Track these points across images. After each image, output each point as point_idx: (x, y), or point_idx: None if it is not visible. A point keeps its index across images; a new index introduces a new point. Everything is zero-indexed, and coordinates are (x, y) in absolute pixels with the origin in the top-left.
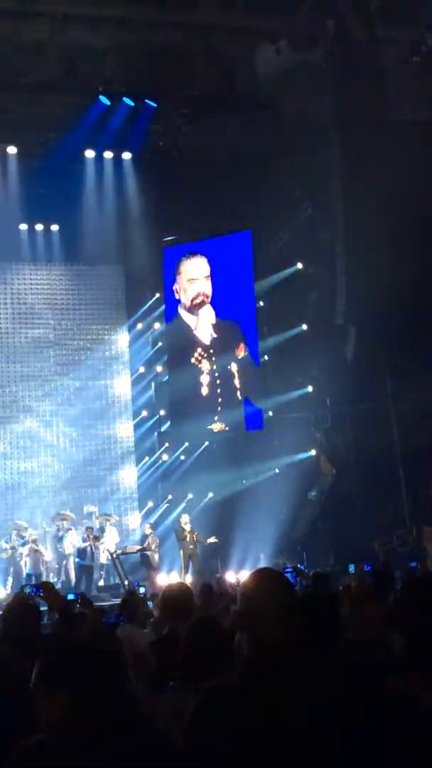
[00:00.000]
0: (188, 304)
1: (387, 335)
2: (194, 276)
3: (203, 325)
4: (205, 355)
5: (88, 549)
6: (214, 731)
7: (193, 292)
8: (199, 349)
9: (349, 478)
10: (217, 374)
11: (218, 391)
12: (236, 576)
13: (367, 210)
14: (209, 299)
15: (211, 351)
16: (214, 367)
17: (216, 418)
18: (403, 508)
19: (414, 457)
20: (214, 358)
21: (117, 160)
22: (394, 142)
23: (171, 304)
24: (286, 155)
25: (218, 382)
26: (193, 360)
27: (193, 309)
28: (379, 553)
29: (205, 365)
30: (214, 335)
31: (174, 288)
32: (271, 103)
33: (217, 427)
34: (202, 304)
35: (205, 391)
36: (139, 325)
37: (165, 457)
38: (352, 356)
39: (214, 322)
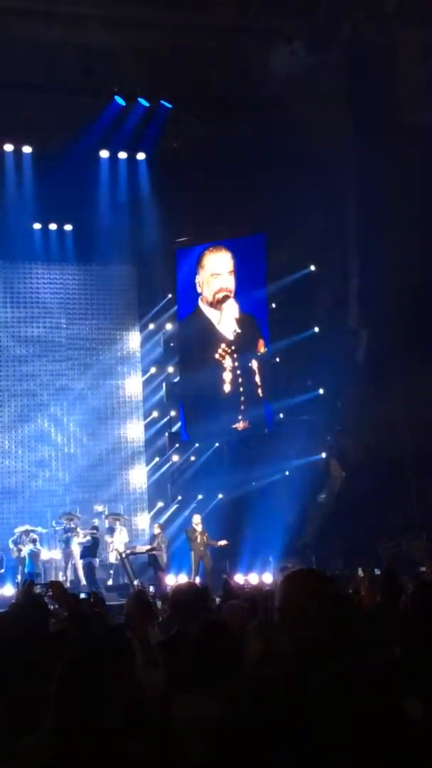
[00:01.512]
0: (210, 298)
1: (399, 338)
2: (217, 271)
3: (226, 319)
4: (229, 350)
5: (84, 542)
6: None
7: (216, 286)
8: (223, 345)
9: (359, 482)
10: (239, 371)
11: (241, 389)
12: (245, 578)
13: (381, 212)
14: (233, 294)
15: (233, 347)
16: (236, 363)
17: (240, 417)
18: (414, 512)
19: (424, 461)
20: (236, 355)
21: (131, 160)
22: (407, 143)
23: (184, 303)
24: (299, 157)
25: (240, 380)
26: (216, 356)
27: (216, 304)
28: (383, 558)
29: (227, 362)
30: (238, 330)
31: (196, 281)
32: (286, 104)
33: (241, 425)
34: (225, 298)
35: (228, 388)
36: (151, 326)
37: (175, 457)
38: (364, 359)
39: (237, 316)
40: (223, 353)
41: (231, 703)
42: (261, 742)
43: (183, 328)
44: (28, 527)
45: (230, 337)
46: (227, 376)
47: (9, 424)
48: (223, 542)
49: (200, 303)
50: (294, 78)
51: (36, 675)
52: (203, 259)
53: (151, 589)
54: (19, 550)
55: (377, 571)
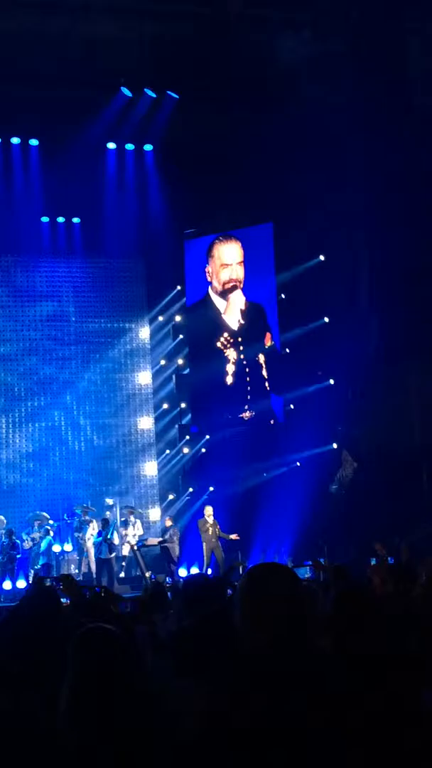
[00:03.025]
0: (219, 288)
1: (409, 328)
2: (227, 261)
3: (232, 310)
4: (231, 341)
5: (96, 534)
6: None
7: (226, 276)
8: (226, 334)
9: (371, 472)
10: (245, 362)
11: (248, 379)
12: None
13: (389, 198)
14: (241, 284)
15: (239, 339)
16: (242, 356)
17: (246, 407)
18: (425, 502)
19: None
20: (241, 347)
21: (138, 151)
22: (415, 127)
23: (193, 294)
24: (308, 145)
25: (247, 370)
26: (218, 344)
27: (224, 293)
28: (402, 550)
29: (231, 353)
30: (242, 321)
31: (206, 270)
32: (294, 92)
33: (247, 414)
34: (233, 288)
35: (230, 380)
36: (160, 318)
37: (186, 449)
38: (374, 349)
39: (243, 307)
40: (225, 342)
41: (219, 691)
42: (244, 732)
43: (191, 316)
44: (39, 512)
45: (234, 327)
46: (230, 368)
47: (19, 417)
48: (234, 536)
49: (210, 291)
50: (300, 65)
51: (44, 669)
52: (213, 249)
53: (168, 580)
54: (33, 540)
55: (391, 560)
